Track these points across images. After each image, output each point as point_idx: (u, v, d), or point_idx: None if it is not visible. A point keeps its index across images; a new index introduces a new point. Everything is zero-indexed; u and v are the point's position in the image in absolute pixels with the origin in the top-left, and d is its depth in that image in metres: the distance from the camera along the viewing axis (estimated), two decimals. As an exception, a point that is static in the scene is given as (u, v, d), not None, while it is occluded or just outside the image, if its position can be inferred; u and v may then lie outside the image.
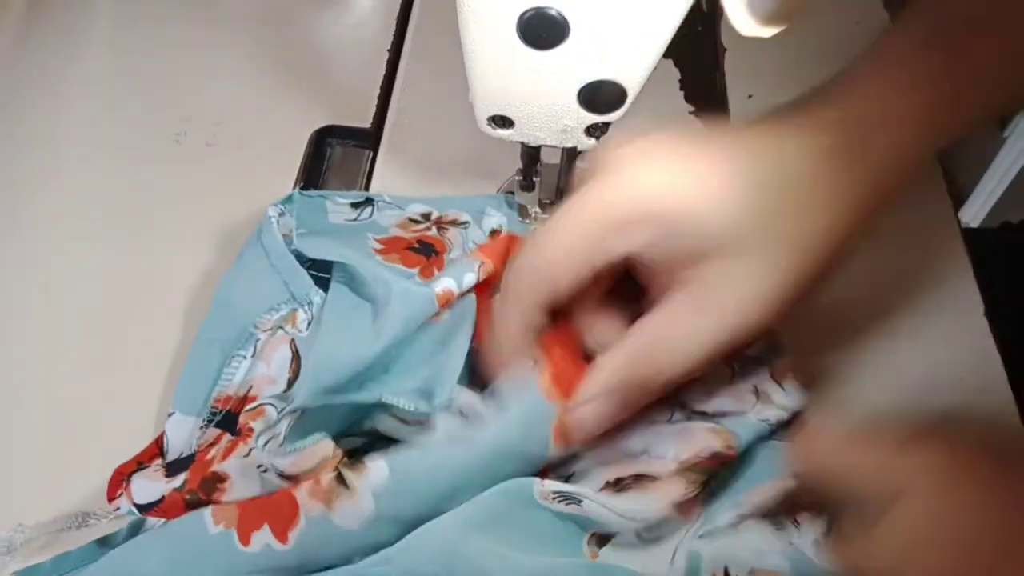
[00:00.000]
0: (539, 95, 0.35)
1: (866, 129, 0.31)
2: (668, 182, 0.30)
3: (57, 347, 0.42)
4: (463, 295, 0.36)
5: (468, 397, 0.34)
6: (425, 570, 0.30)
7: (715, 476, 0.33)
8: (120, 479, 0.34)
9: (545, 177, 0.43)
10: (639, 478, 0.33)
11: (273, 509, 0.31)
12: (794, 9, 0.25)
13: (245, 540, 0.30)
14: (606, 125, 0.37)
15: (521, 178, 0.43)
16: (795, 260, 0.30)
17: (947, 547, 0.27)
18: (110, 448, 0.38)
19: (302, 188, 0.45)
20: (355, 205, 0.43)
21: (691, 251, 0.30)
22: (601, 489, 0.33)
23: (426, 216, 0.43)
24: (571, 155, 0.41)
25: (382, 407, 0.34)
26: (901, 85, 0.32)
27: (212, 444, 0.34)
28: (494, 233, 0.42)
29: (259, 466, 0.32)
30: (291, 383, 0.36)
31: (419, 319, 0.35)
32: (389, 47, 0.55)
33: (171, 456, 0.36)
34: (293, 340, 0.37)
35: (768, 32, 0.26)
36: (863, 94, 0.32)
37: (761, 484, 0.33)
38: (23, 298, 0.43)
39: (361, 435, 0.36)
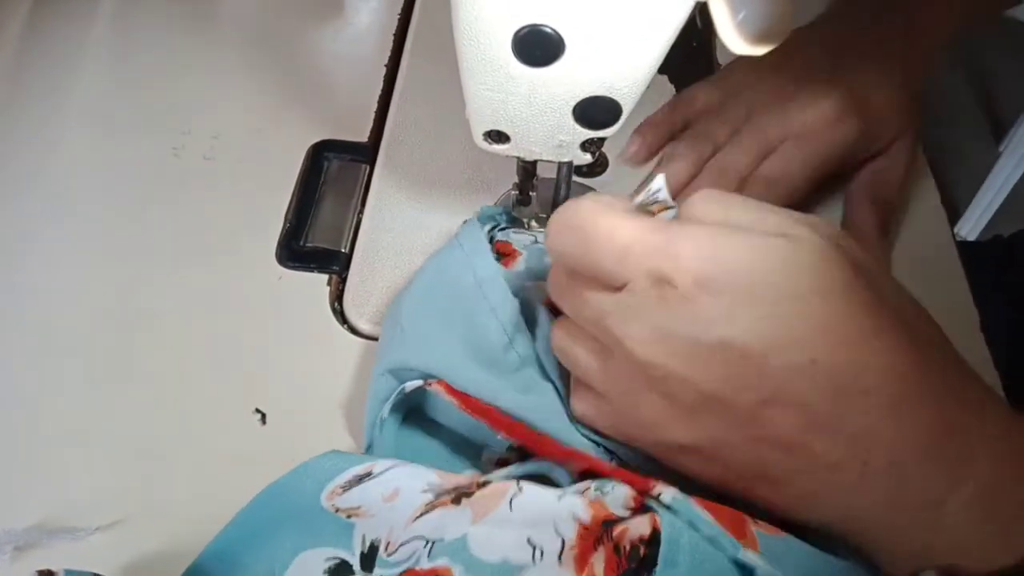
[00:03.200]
0: (534, 111, 0.35)
1: None
2: None
3: (55, 360, 0.42)
4: None
5: None
6: None
7: None
8: None
9: (541, 191, 0.44)
10: None
11: None
12: (784, 28, 0.25)
13: None
14: (601, 140, 0.37)
15: (517, 192, 0.43)
16: None
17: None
18: (102, 465, 0.38)
19: (298, 203, 0.45)
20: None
21: None
22: None
23: None
24: (567, 169, 0.42)
25: None
26: None
27: None
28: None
29: None
30: None
31: None
32: (386, 62, 0.56)
33: None
34: None
35: (758, 51, 0.26)
36: None
37: None
38: (22, 310, 0.43)
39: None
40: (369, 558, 0.32)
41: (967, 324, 0.44)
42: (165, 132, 0.51)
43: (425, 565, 0.29)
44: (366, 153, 0.51)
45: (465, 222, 0.41)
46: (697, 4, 0.29)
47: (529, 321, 0.36)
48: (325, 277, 0.45)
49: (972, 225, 1.38)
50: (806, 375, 0.26)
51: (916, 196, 0.50)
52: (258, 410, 0.40)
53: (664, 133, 0.49)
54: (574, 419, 0.34)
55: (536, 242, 0.40)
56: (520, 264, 0.38)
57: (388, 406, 0.35)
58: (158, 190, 0.49)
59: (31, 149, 0.50)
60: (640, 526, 0.28)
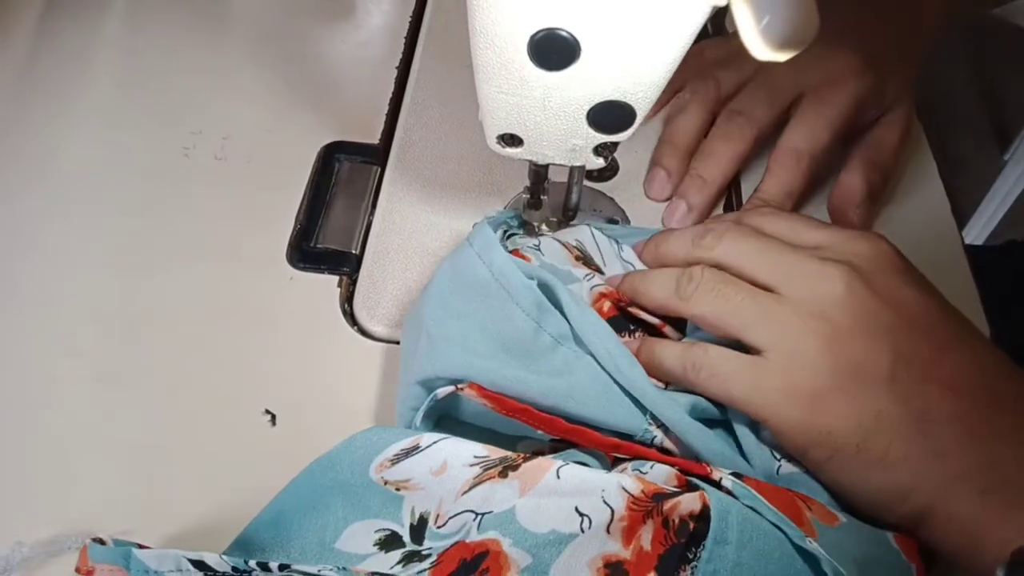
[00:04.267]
0: (549, 115, 0.35)
1: None
2: None
3: (63, 363, 0.42)
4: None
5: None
6: None
7: None
8: None
9: (552, 195, 0.44)
10: None
11: None
12: (808, 34, 0.25)
13: None
14: (615, 145, 0.37)
15: (528, 196, 0.43)
16: None
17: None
18: (112, 467, 0.38)
19: (309, 204, 0.44)
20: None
21: None
22: None
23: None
24: (579, 173, 0.42)
25: None
26: None
27: None
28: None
29: None
30: None
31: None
32: (398, 64, 0.56)
33: None
34: None
35: (782, 57, 0.26)
36: None
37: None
38: (29, 312, 0.43)
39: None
40: (419, 530, 0.32)
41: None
42: (176, 132, 0.51)
43: (475, 537, 0.30)
44: (377, 155, 0.51)
45: (475, 225, 0.41)
46: (712, 10, 0.29)
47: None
48: (335, 278, 0.45)
49: (979, 231, 1.39)
50: None
51: (926, 202, 0.50)
52: (268, 411, 0.40)
53: (674, 91, 0.52)
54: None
55: (538, 247, 0.40)
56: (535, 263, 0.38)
57: (420, 415, 0.35)
58: (168, 190, 0.49)
59: (41, 147, 0.50)
60: (691, 502, 0.29)
